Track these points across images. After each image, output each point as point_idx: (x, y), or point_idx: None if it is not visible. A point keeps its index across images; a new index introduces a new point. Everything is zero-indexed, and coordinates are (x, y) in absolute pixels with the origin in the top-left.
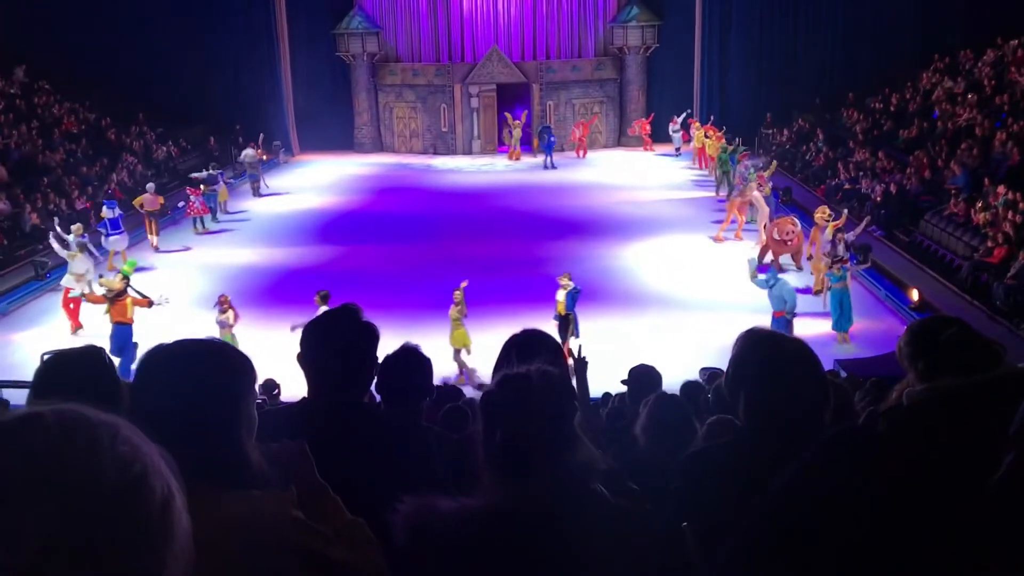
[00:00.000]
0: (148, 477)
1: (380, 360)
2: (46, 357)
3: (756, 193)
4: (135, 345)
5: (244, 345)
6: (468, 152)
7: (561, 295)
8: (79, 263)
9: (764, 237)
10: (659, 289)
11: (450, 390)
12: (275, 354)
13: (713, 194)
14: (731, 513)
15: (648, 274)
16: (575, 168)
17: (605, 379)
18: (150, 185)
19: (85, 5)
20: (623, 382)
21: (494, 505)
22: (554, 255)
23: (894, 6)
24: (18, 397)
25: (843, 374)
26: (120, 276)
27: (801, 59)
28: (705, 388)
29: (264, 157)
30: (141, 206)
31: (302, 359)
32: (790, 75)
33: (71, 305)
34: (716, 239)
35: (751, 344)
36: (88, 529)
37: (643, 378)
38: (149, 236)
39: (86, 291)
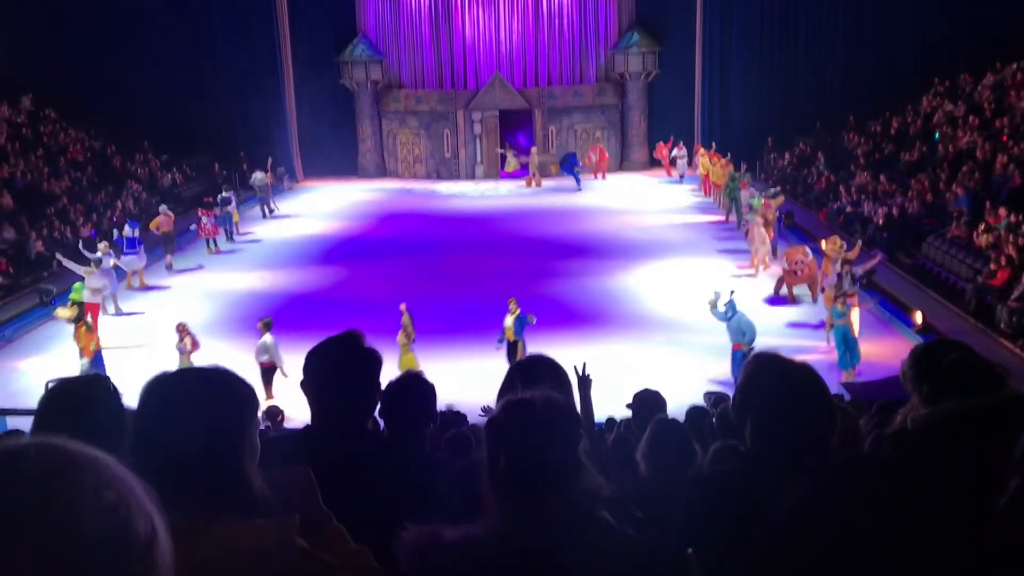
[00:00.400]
0: (132, 521)
1: (383, 386)
2: (51, 385)
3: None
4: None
5: (249, 372)
6: (471, 177)
7: (509, 320)
8: (95, 279)
9: (755, 264)
10: (663, 313)
11: (454, 416)
12: (279, 381)
13: (720, 218)
14: (737, 539)
15: (652, 298)
16: (579, 192)
17: (609, 403)
18: (163, 207)
19: (91, 34)
20: (628, 406)
21: (499, 533)
22: (558, 279)
23: (893, 30)
24: (23, 424)
25: (847, 397)
26: (71, 304)
27: (801, 83)
28: (709, 412)
29: (271, 181)
30: (157, 228)
31: (305, 386)
32: (790, 99)
33: (92, 318)
34: (752, 268)
35: (759, 369)
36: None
37: (648, 403)
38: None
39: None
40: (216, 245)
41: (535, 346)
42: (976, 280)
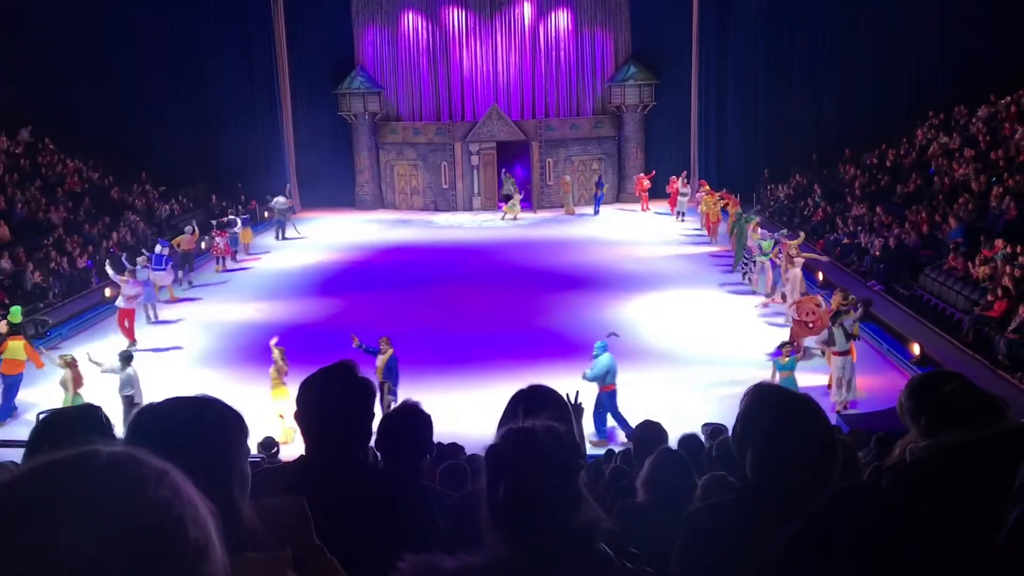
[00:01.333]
0: (184, 524)
1: (381, 417)
2: (42, 416)
3: (796, 270)
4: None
5: (244, 403)
6: (469, 208)
7: (380, 361)
8: (130, 287)
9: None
10: (661, 344)
11: (450, 448)
12: (274, 410)
13: (712, 247)
14: (736, 571)
15: (649, 329)
16: (574, 224)
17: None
18: (188, 227)
19: (90, 66)
20: (629, 437)
21: (497, 564)
22: (555, 310)
23: (888, 63)
24: (14, 456)
25: (845, 429)
26: (5, 323)
27: (797, 115)
28: (707, 444)
29: (291, 205)
30: (178, 245)
31: (299, 416)
32: (787, 131)
33: (126, 323)
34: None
35: (759, 400)
36: (117, 564)
37: (649, 434)
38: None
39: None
40: (224, 263)
41: (535, 377)
42: (973, 311)
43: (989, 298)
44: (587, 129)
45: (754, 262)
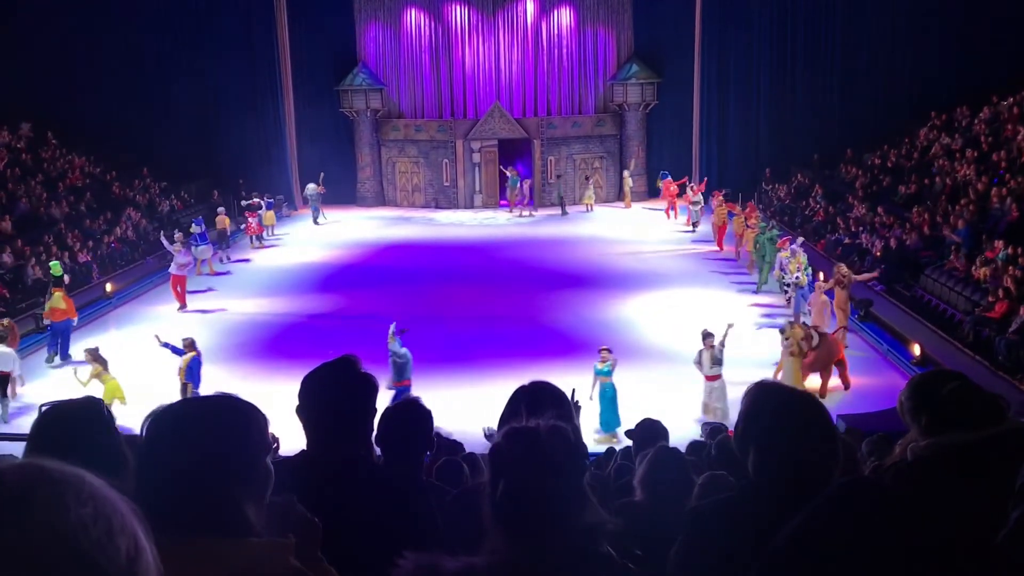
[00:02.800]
0: (113, 537)
1: (380, 412)
2: (44, 409)
3: (823, 296)
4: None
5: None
6: (470, 206)
7: (183, 361)
8: (182, 255)
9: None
10: (661, 342)
11: (449, 443)
12: (275, 407)
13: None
14: (737, 569)
15: (650, 327)
16: (576, 222)
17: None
18: (221, 208)
19: (91, 61)
20: (627, 434)
21: (500, 565)
22: (555, 308)
23: (890, 63)
24: (15, 450)
25: (842, 428)
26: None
27: (799, 115)
28: (707, 443)
29: (322, 191)
30: (216, 227)
31: (300, 412)
32: (788, 131)
33: (178, 288)
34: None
35: (762, 398)
36: None
37: (648, 432)
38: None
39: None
40: (259, 240)
41: (536, 374)
42: (974, 312)
43: (990, 299)
44: (589, 127)
45: (789, 284)
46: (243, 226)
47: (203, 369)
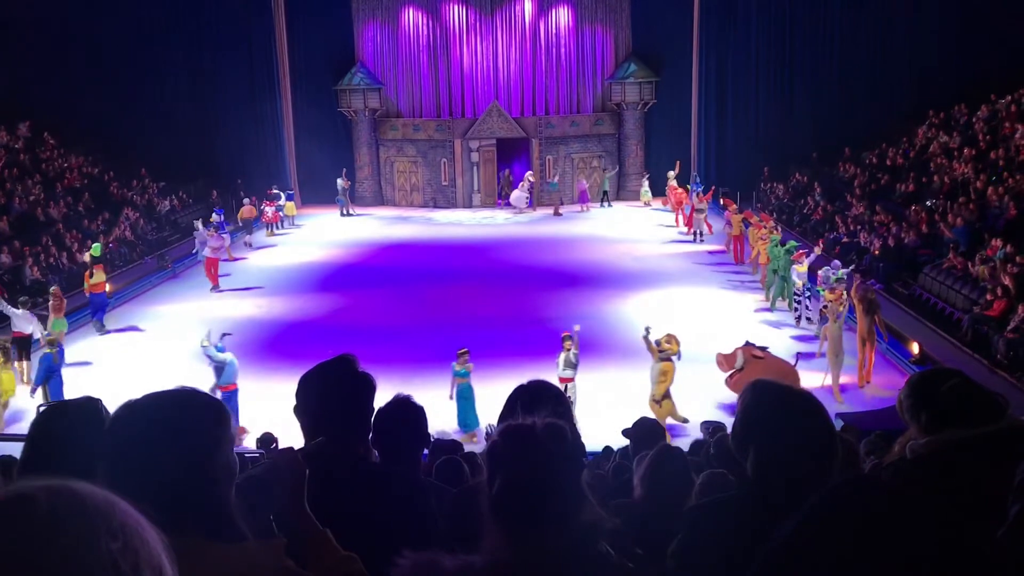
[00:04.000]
0: (140, 571)
1: (376, 411)
2: (42, 409)
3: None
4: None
5: (243, 399)
6: (468, 205)
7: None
8: (215, 240)
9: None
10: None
11: (447, 444)
12: (274, 407)
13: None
14: (735, 568)
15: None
16: (574, 221)
17: (608, 432)
18: (246, 200)
19: (90, 61)
20: (624, 434)
21: (499, 564)
22: (555, 307)
23: (889, 62)
24: (14, 450)
25: (838, 427)
26: (89, 256)
27: (797, 114)
28: (707, 442)
29: (346, 185)
30: (241, 217)
31: (298, 410)
32: (786, 130)
33: (212, 270)
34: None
35: (760, 397)
36: None
37: (645, 431)
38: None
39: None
40: (275, 229)
41: (534, 373)
42: (972, 311)
43: (988, 297)
44: (587, 126)
45: (806, 299)
46: (259, 216)
47: (199, 368)
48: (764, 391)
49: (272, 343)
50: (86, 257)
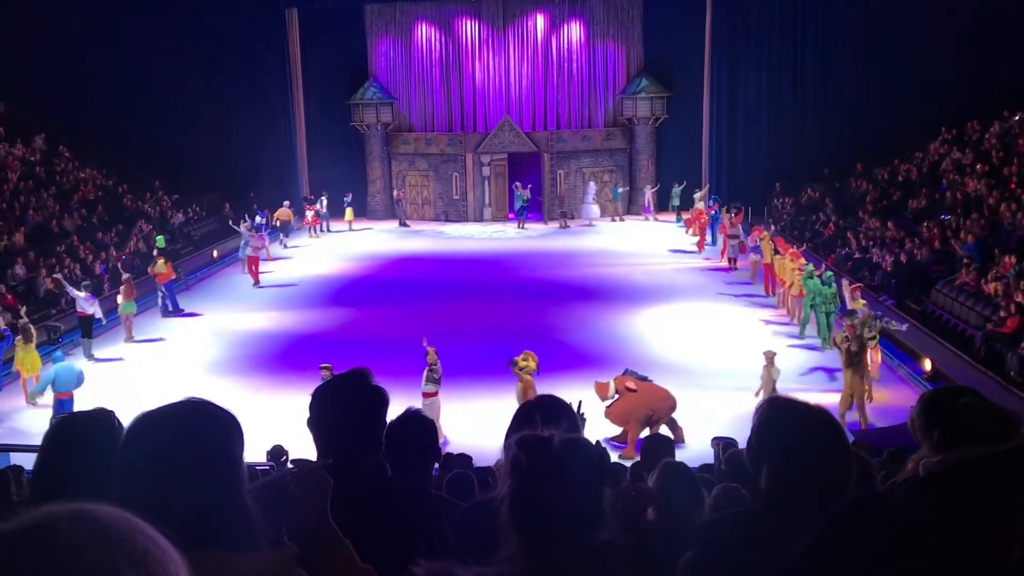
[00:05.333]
0: None
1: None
2: (55, 421)
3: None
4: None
5: (254, 411)
6: (479, 219)
7: None
8: (256, 240)
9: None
10: (671, 357)
11: (459, 458)
12: (286, 420)
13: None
14: None
15: (659, 341)
16: (584, 235)
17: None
18: (286, 202)
19: (104, 75)
20: (639, 450)
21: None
22: (565, 322)
23: (901, 78)
24: (27, 460)
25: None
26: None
27: (808, 130)
28: (719, 457)
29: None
30: (278, 218)
31: (311, 424)
32: (798, 145)
33: (253, 267)
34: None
35: (774, 413)
36: None
37: (655, 448)
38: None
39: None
40: (317, 232)
41: (545, 388)
42: (985, 327)
43: (1001, 314)
44: (598, 141)
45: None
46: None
47: (210, 381)
48: (779, 408)
49: (281, 356)
50: (154, 251)
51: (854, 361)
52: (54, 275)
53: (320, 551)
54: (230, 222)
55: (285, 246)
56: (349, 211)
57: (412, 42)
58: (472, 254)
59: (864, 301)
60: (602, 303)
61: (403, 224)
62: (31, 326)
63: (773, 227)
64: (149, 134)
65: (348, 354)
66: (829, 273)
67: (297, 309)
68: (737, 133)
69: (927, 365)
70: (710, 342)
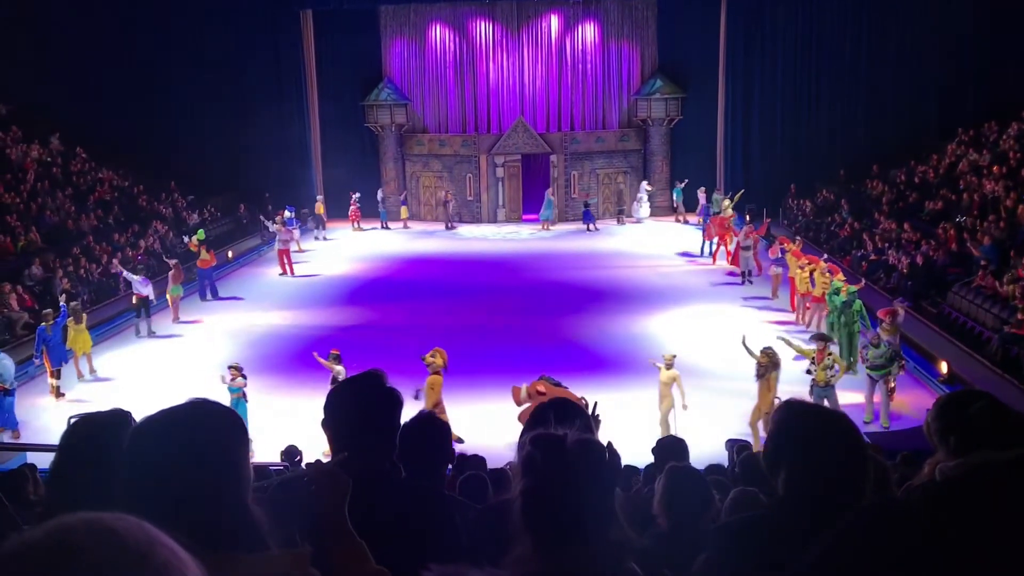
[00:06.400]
0: None
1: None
2: (73, 421)
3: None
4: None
5: (268, 411)
6: (493, 220)
7: None
8: (285, 233)
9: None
10: (685, 359)
11: (472, 459)
12: (300, 420)
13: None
14: None
15: (674, 344)
16: (600, 237)
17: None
18: (319, 196)
19: (121, 76)
20: (652, 451)
21: None
22: (579, 323)
23: (917, 79)
24: (43, 460)
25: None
26: (195, 239)
27: (824, 131)
28: (732, 460)
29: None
30: (317, 213)
31: (325, 425)
32: (813, 147)
33: (284, 259)
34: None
35: (792, 417)
36: None
37: (670, 450)
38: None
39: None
40: (360, 226)
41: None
42: (1002, 330)
43: (1019, 316)
44: (613, 142)
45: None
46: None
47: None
48: (796, 410)
49: (296, 356)
50: (193, 241)
51: (762, 374)
52: (114, 259)
53: (336, 552)
54: (261, 217)
55: (324, 238)
56: (404, 209)
57: (426, 43)
58: (486, 255)
59: (895, 327)
60: (617, 305)
61: (450, 227)
62: (81, 308)
63: (799, 238)
64: (165, 135)
65: (362, 355)
66: (853, 289)
67: (312, 309)
68: (752, 134)
69: (943, 368)
70: (723, 344)
